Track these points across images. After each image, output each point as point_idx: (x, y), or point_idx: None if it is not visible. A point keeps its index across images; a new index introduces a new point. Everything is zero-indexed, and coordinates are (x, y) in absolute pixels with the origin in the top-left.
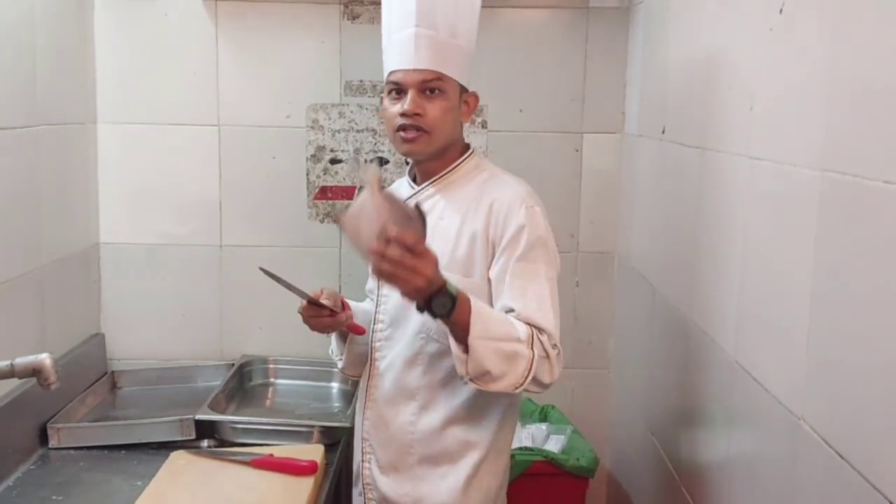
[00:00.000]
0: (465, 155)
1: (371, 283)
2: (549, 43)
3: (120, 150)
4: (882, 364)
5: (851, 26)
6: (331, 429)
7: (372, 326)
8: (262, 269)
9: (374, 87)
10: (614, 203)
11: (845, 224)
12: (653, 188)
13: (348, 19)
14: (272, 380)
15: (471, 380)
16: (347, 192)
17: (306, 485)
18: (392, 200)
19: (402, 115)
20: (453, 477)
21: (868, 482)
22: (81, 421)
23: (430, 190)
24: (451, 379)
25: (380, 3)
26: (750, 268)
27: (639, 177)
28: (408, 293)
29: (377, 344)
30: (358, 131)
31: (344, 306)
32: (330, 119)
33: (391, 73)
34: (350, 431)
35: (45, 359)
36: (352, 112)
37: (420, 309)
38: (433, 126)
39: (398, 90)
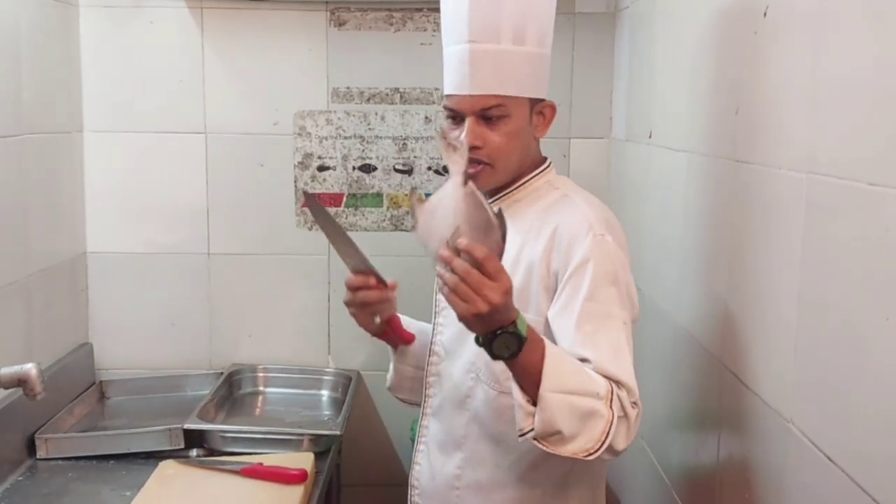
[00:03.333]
0: (538, 170)
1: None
2: None
3: (106, 158)
4: (870, 366)
5: (835, 29)
6: (321, 437)
7: (427, 359)
8: (306, 193)
9: (362, 93)
10: None
11: (831, 226)
12: (640, 193)
13: (335, 26)
14: (261, 388)
15: (535, 438)
16: (336, 199)
17: (296, 493)
18: (476, 199)
19: None
20: None
21: (857, 485)
22: (69, 431)
23: (499, 206)
24: (502, 432)
25: (366, 10)
26: (737, 271)
27: (626, 181)
28: (465, 317)
29: (430, 379)
30: (346, 138)
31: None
32: (317, 126)
33: (447, 95)
34: (340, 439)
35: (30, 369)
36: (339, 119)
37: (478, 342)
38: (496, 157)
39: (455, 115)
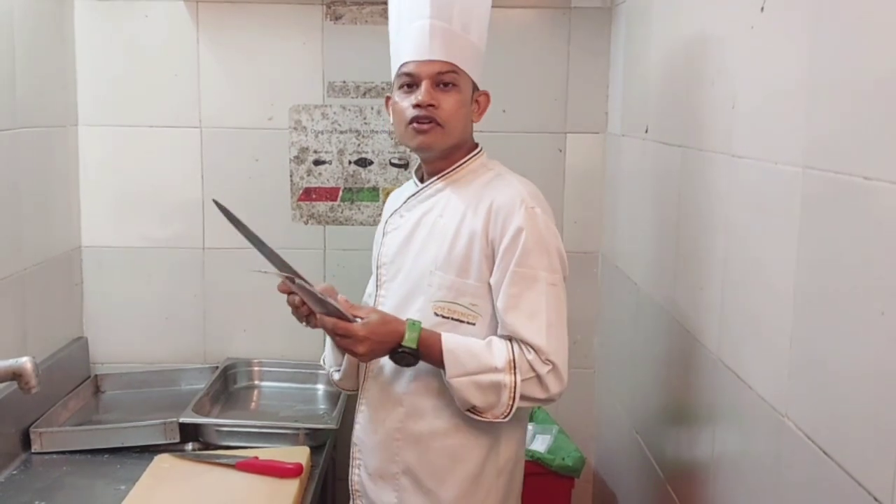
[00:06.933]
0: (472, 154)
1: (371, 285)
2: (532, 43)
3: (101, 152)
4: (865, 360)
5: (832, 24)
6: (316, 431)
7: None
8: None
9: (357, 87)
10: (598, 203)
11: (827, 220)
12: (636, 187)
13: (331, 20)
14: (257, 382)
15: (467, 411)
16: (332, 194)
17: (291, 487)
18: (304, 290)
19: (416, 105)
20: (443, 493)
21: (852, 478)
22: (64, 425)
23: (439, 184)
24: (439, 388)
25: (362, 4)
26: (733, 266)
27: (622, 176)
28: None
29: None
30: (341, 132)
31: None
32: (313, 120)
33: (403, 64)
34: (336, 433)
35: (25, 362)
36: (335, 113)
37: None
38: (447, 119)
39: (410, 83)
